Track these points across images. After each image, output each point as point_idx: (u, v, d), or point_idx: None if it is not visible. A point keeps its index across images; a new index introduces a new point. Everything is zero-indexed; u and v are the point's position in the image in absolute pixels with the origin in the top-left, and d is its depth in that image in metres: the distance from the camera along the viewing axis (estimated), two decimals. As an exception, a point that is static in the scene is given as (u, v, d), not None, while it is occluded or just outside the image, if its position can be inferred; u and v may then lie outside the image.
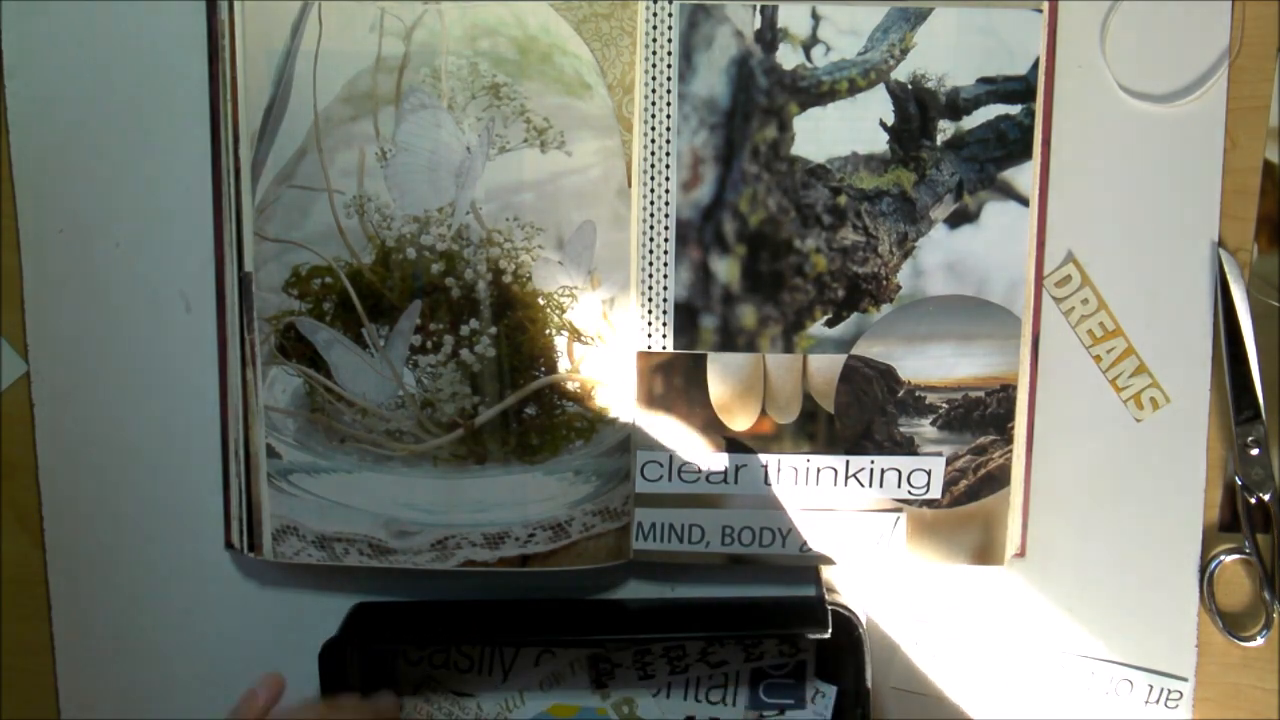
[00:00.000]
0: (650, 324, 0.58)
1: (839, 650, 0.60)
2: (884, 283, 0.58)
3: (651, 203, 0.57)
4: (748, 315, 0.58)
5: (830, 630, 0.57)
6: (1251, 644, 0.61)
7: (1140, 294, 0.59)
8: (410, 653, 0.63)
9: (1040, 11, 0.56)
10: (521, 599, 0.62)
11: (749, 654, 0.62)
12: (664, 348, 0.58)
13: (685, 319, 0.58)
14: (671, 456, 0.59)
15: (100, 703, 0.64)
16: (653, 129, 0.57)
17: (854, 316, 0.58)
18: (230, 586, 0.62)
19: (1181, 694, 0.62)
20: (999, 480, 0.59)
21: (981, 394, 0.58)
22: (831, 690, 0.61)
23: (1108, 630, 0.62)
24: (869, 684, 0.58)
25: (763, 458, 0.59)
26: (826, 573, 0.62)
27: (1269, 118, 0.58)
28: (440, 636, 0.61)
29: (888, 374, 0.58)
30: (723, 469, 0.59)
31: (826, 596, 0.59)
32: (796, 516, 0.59)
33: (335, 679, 0.58)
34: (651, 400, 0.59)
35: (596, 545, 0.59)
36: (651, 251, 0.58)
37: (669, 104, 0.57)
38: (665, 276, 0.58)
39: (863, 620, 0.59)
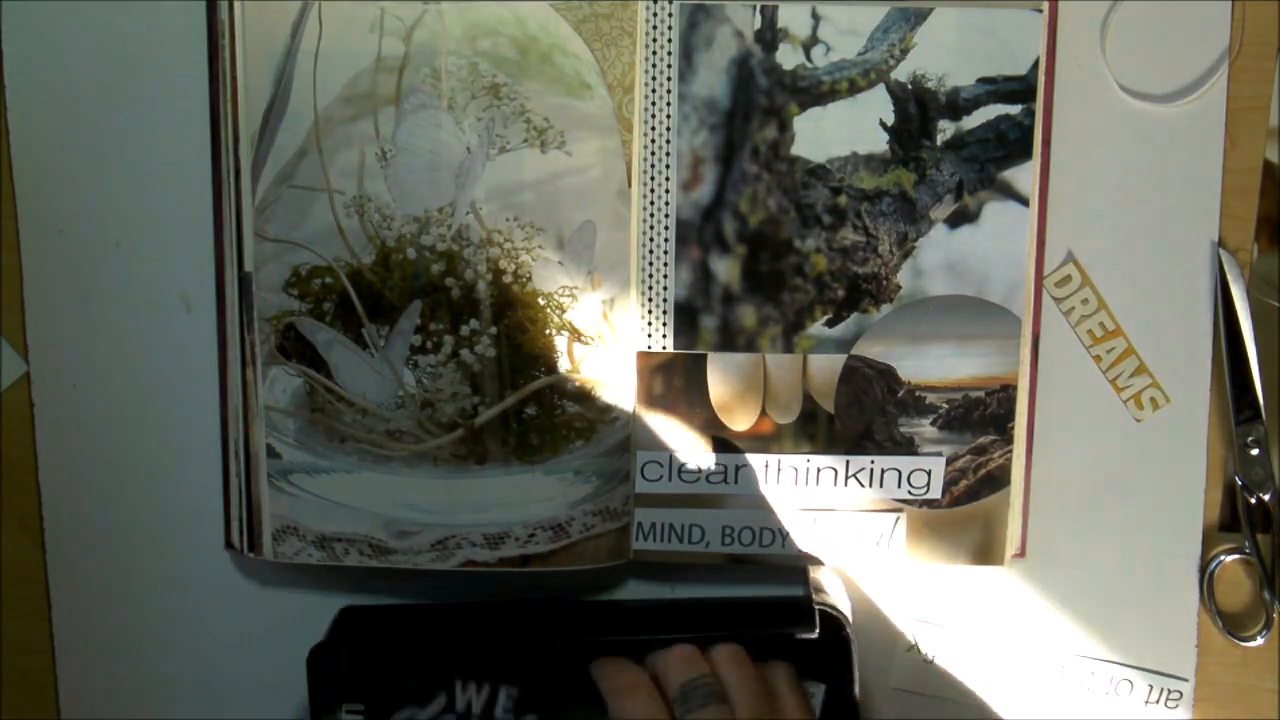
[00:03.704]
0: (650, 324, 0.58)
1: (828, 649, 0.60)
2: (884, 283, 0.58)
3: (651, 203, 0.57)
4: (748, 315, 0.58)
5: (818, 629, 0.57)
6: (1251, 644, 0.61)
7: (1140, 294, 0.59)
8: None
9: (1040, 11, 0.56)
10: (517, 599, 0.61)
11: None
12: (664, 348, 0.58)
13: (685, 319, 0.58)
14: (671, 456, 0.59)
15: (100, 703, 0.64)
16: (653, 129, 0.57)
17: (854, 316, 0.58)
18: (230, 586, 0.62)
19: (1181, 694, 0.62)
20: (999, 480, 0.59)
21: (981, 394, 0.58)
22: (820, 689, 0.61)
23: (1108, 630, 0.62)
24: (856, 683, 0.58)
25: (763, 458, 0.59)
26: (819, 573, 0.62)
27: (1269, 118, 0.58)
28: (432, 639, 0.61)
29: (888, 374, 0.58)
30: (723, 469, 0.59)
31: (814, 596, 0.59)
32: (796, 517, 0.59)
33: (324, 683, 0.58)
34: (651, 400, 0.59)
35: (596, 545, 0.59)
36: (651, 251, 0.58)
37: (669, 104, 0.57)
38: (665, 276, 0.58)
39: (850, 619, 0.59)
